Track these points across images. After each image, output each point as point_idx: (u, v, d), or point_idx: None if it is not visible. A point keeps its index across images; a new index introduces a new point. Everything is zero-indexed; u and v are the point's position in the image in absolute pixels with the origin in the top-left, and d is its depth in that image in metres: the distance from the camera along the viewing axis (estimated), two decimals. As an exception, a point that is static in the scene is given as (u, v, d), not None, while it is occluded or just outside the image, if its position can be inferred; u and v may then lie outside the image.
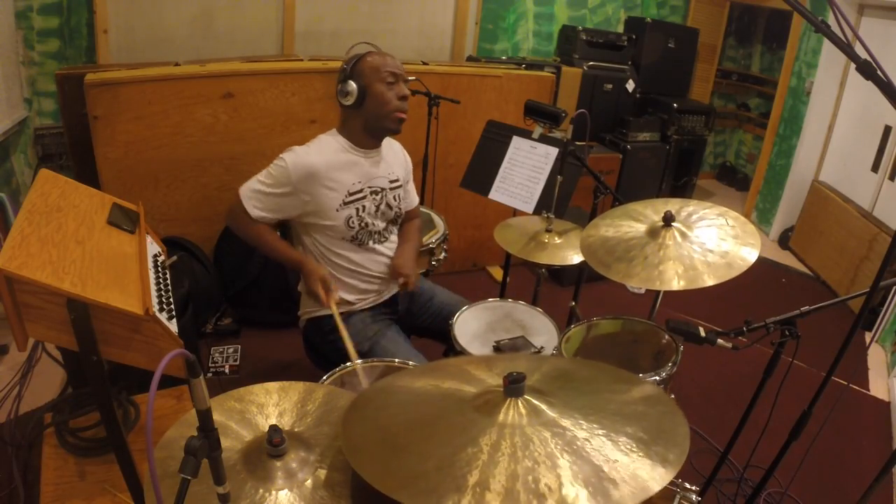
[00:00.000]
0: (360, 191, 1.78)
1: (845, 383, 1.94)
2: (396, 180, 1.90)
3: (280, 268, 2.84)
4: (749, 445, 1.75)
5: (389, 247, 1.91)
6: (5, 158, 2.99)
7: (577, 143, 2.20)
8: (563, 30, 4.44)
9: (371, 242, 1.83)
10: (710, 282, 1.43)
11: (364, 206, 1.80)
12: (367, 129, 1.77)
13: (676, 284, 1.45)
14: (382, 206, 1.85)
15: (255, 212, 1.73)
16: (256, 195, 1.73)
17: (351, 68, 1.73)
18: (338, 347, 1.78)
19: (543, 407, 0.88)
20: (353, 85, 1.71)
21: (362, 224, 1.80)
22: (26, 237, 1.11)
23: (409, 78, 1.79)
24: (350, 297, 1.82)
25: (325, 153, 1.74)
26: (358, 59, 1.73)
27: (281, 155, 1.73)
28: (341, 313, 1.80)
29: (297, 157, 1.70)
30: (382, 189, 1.85)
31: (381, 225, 1.86)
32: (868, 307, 1.28)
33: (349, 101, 1.72)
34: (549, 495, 0.73)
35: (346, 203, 1.75)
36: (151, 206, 2.68)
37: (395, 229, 1.94)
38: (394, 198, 1.89)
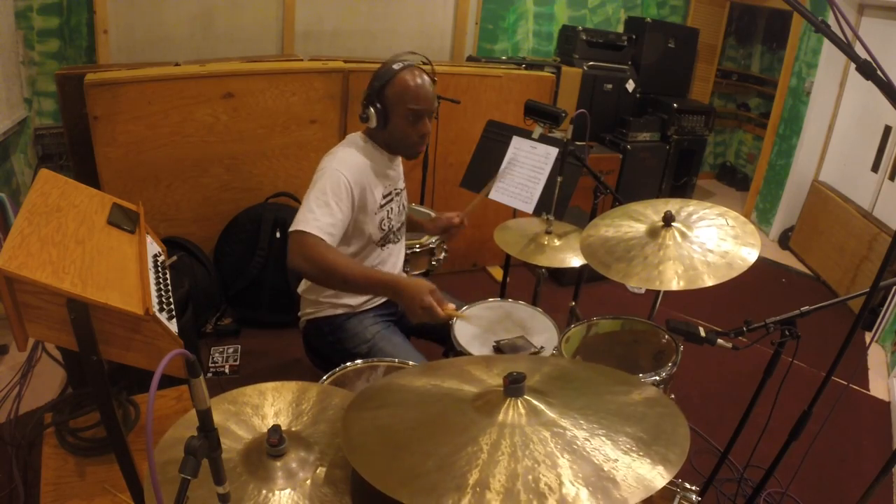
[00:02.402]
0: (389, 194, 1.80)
1: (845, 383, 1.93)
2: (403, 180, 1.93)
3: (280, 268, 2.85)
4: (749, 445, 1.75)
5: (400, 246, 1.93)
6: (5, 158, 2.99)
7: (577, 143, 2.20)
8: (563, 30, 4.44)
9: (389, 244, 1.84)
10: (709, 282, 1.43)
11: (392, 209, 1.81)
12: (388, 147, 1.76)
13: (676, 284, 1.45)
14: (400, 207, 1.88)
15: (330, 238, 1.54)
16: (325, 220, 1.53)
17: (377, 91, 1.65)
18: (338, 349, 1.78)
19: (543, 407, 0.88)
20: (372, 112, 1.66)
21: (390, 226, 1.81)
22: (26, 237, 1.11)
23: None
24: (360, 299, 1.82)
25: (366, 155, 1.72)
26: (386, 83, 1.64)
27: (325, 167, 1.61)
28: (343, 314, 1.80)
29: (344, 162, 1.63)
30: (401, 190, 1.88)
31: (398, 225, 1.88)
32: (868, 307, 1.28)
33: (370, 125, 1.70)
34: (550, 494, 0.73)
35: (381, 206, 1.76)
36: (151, 206, 2.68)
37: (404, 229, 1.96)
38: (405, 197, 1.93)
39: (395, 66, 1.66)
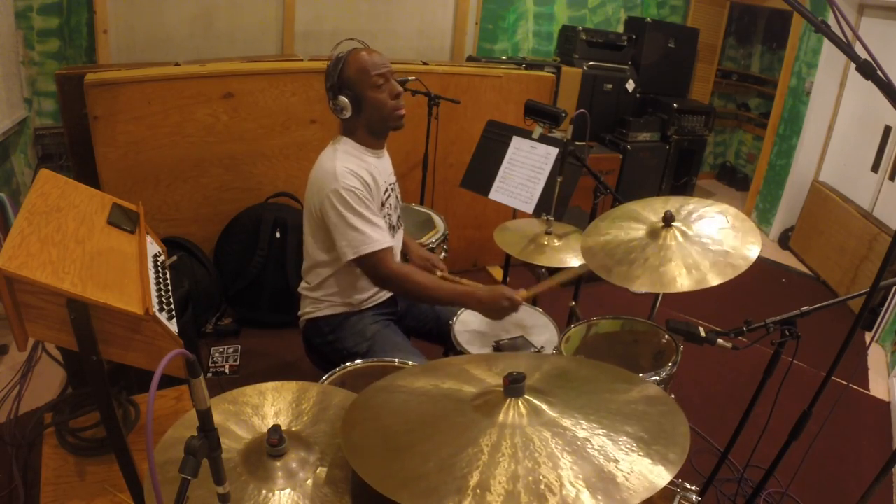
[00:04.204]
0: (386, 189, 1.80)
1: (845, 383, 1.93)
2: (393, 173, 1.93)
3: (280, 268, 2.85)
4: (749, 445, 1.75)
5: (398, 239, 1.94)
6: (5, 158, 2.99)
7: (577, 143, 2.19)
8: (563, 30, 4.44)
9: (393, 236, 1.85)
10: (714, 281, 1.41)
11: (391, 203, 1.82)
12: (371, 132, 1.76)
13: (679, 286, 1.44)
14: (396, 199, 1.89)
15: (388, 244, 1.68)
16: (377, 233, 1.65)
17: (337, 80, 1.67)
18: (337, 348, 1.79)
19: (543, 407, 0.88)
20: (344, 99, 1.67)
21: (390, 220, 1.82)
22: (26, 237, 1.11)
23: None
24: (360, 297, 1.83)
25: (356, 157, 1.72)
26: (342, 68, 1.67)
27: (336, 191, 1.62)
28: (343, 313, 1.80)
29: (346, 176, 1.64)
30: (394, 183, 1.89)
31: (395, 218, 1.89)
32: (868, 307, 1.28)
33: (346, 115, 1.70)
34: (550, 496, 0.72)
35: (383, 203, 1.77)
36: (151, 206, 2.68)
37: (401, 221, 1.96)
38: (398, 190, 1.93)
39: (341, 54, 1.71)
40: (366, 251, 1.63)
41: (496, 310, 1.67)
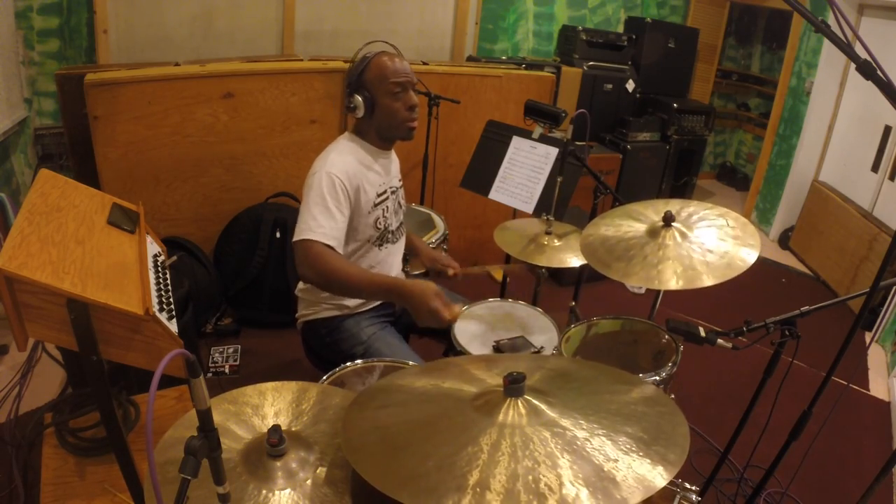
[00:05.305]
0: (384, 192, 1.79)
1: (845, 383, 1.93)
2: (401, 178, 1.93)
3: (280, 268, 2.85)
4: (749, 445, 1.75)
5: (399, 246, 1.93)
6: (5, 158, 2.99)
7: (577, 143, 2.19)
8: (563, 30, 4.45)
9: (387, 243, 1.84)
10: (708, 282, 1.43)
11: (388, 207, 1.81)
12: (380, 136, 1.76)
13: (675, 284, 1.45)
14: (396, 206, 1.87)
15: (336, 243, 1.56)
16: (329, 225, 1.55)
17: (356, 79, 1.68)
18: (334, 350, 1.78)
19: (543, 407, 0.88)
20: (359, 99, 1.67)
21: (386, 224, 1.80)
22: (26, 237, 1.11)
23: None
24: (353, 302, 1.82)
25: (357, 155, 1.72)
26: (363, 70, 1.68)
27: (316, 171, 1.61)
28: (338, 315, 1.80)
29: (335, 164, 1.63)
30: (397, 188, 1.88)
31: (395, 224, 1.87)
32: (868, 307, 1.28)
33: (358, 115, 1.70)
34: (550, 495, 0.73)
35: (376, 205, 1.75)
36: (151, 206, 2.68)
37: (403, 229, 1.96)
38: (402, 195, 1.92)
39: (368, 54, 1.70)
40: (307, 237, 1.53)
41: (418, 315, 1.47)
